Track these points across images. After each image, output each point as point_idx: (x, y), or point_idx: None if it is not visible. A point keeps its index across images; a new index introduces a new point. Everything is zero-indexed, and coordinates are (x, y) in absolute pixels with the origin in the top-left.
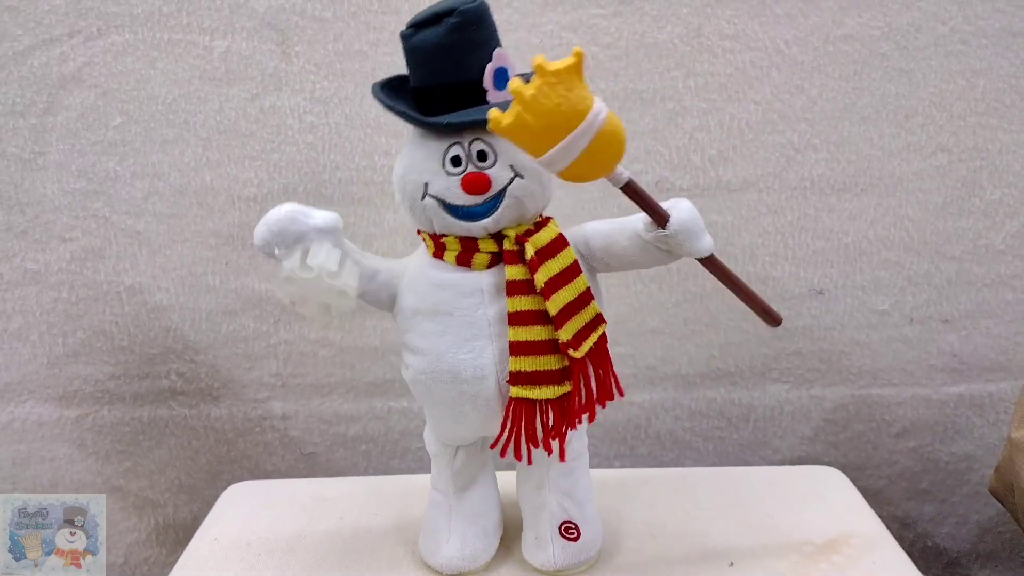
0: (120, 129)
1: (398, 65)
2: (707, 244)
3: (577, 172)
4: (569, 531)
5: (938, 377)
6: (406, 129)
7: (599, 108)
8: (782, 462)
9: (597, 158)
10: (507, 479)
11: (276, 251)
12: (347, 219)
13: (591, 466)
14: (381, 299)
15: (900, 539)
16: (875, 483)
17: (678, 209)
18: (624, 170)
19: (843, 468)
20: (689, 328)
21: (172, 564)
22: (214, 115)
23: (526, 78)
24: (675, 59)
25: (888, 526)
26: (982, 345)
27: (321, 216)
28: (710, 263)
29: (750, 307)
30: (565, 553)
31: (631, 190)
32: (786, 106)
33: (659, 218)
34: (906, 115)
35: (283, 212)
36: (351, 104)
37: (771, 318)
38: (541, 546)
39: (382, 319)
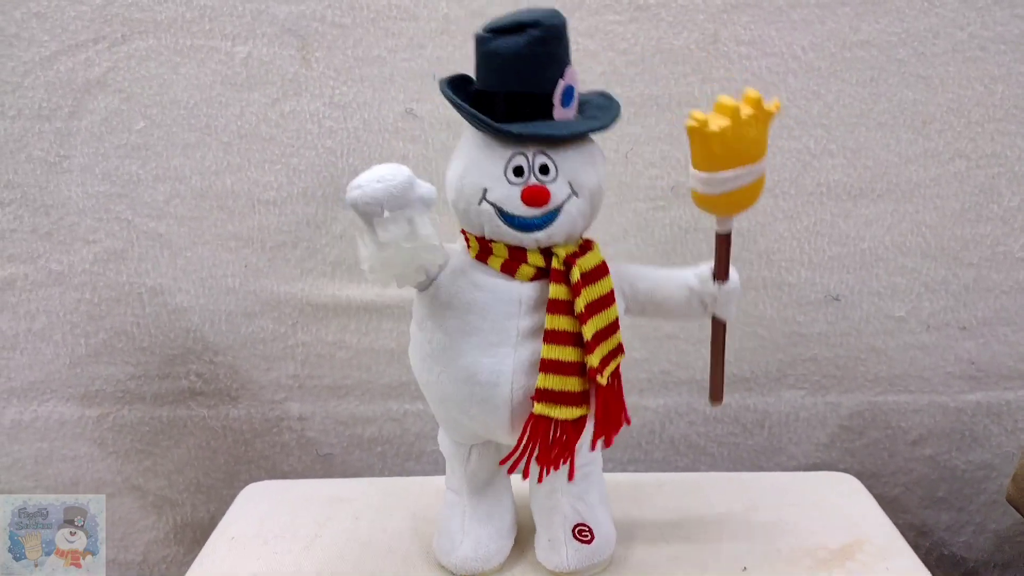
0: (143, 133)
1: (416, 71)
2: (734, 312)
3: (716, 201)
4: (583, 534)
5: (955, 384)
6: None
7: (766, 159)
8: (797, 468)
9: (738, 199)
10: (521, 481)
11: (385, 213)
12: None
13: (605, 470)
14: (431, 277)
15: (916, 547)
16: (891, 491)
17: (733, 273)
18: (732, 222)
19: (859, 475)
20: (703, 333)
21: (190, 563)
22: (235, 119)
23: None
24: (691, 65)
25: (904, 534)
26: (1000, 352)
27: (426, 187)
28: (721, 329)
29: (712, 375)
30: (579, 555)
31: (726, 240)
32: (803, 112)
33: (724, 273)
34: (923, 121)
35: (404, 175)
36: (370, 109)
37: (718, 395)
38: (555, 548)
39: (399, 322)
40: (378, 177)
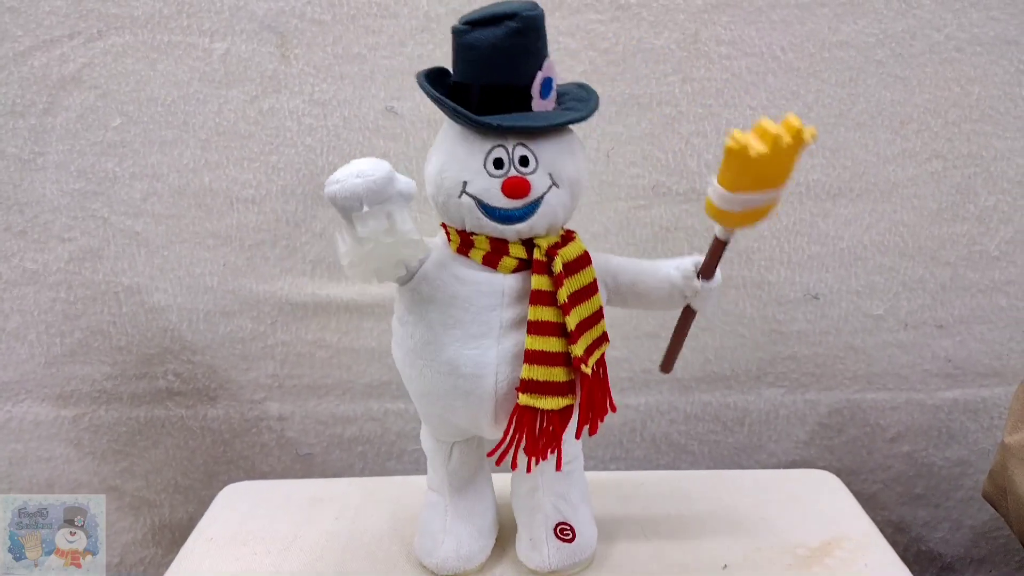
0: (119, 130)
1: (397, 68)
2: (713, 308)
3: (729, 216)
4: (564, 532)
5: (932, 382)
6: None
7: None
8: (777, 466)
9: (751, 217)
10: (502, 480)
11: (364, 208)
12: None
13: (586, 468)
14: (412, 272)
15: (894, 543)
16: (869, 487)
17: (717, 273)
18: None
19: (837, 472)
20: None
21: (168, 564)
22: (213, 117)
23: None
24: (672, 64)
25: (882, 530)
26: (976, 350)
27: (406, 181)
28: (691, 316)
29: (669, 349)
30: (560, 554)
31: (722, 246)
32: (782, 112)
33: (711, 273)
34: (901, 121)
35: (384, 170)
36: (350, 107)
37: (667, 367)
38: (536, 547)
39: (379, 321)
40: (357, 172)
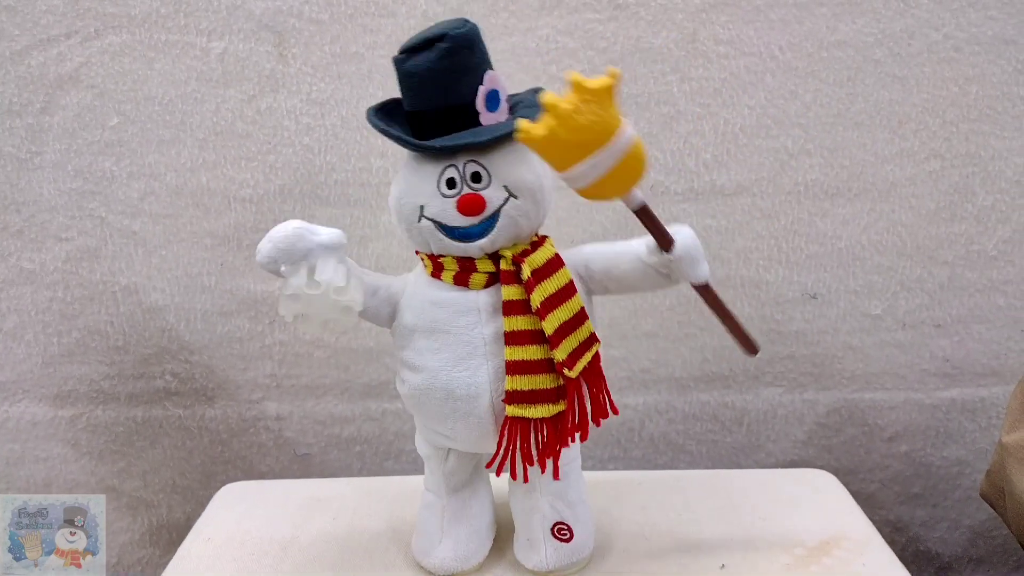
0: (117, 129)
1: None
2: (705, 271)
3: (597, 190)
4: (562, 532)
5: (930, 382)
6: (400, 149)
7: (627, 130)
8: (775, 465)
9: (619, 179)
10: (500, 480)
11: (282, 268)
12: (343, 221)
13: (584, 468)
14: (382, 315)
15: (892, 543)
16: (867, 487)
17: (681, 235)
18: (640, 193)
19: (836, 472)
20: (683, 331)
21: (165, 564)
22: (211, 116)
23: (530, 95)
24: (670, 64)
25: (880, 530)
26: (974, 350)
27: (327, 233)
28: (705, 290)
29: (733, 335)
30: (558, 554)
31: (644, 213)
32: (780, 111)
33: (665, 242)
34: (899, 121)
35: (289, 229)
36: (347, 106)
37: (751, 347)
38: (534, 547)
39: None
40: (268, 236)
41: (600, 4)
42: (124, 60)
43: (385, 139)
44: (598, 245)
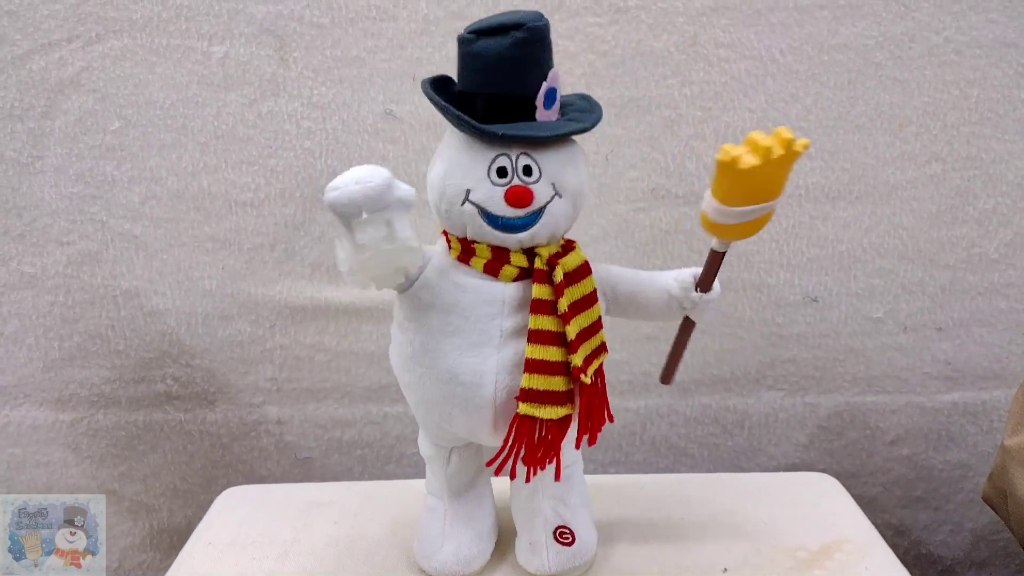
0: (118, 134)
1: (395, 72)
2: (711, 318)
3: (727, 229)
4: (564, 536)
5: (932, 385)
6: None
7: (784, 194)
8: (776, 469)
9: (747, 229)
10: (502, 484)
11: (363, 215)
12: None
13: (586, 472)
14: (412, 279)
15: (894, 547)
16: (869, 490)
17: (716, 284)
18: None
19: (837, 475)
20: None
21: (166, 568)
22: (212, 120)
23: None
24: (671, 67)
25: (882, 534)
26: (976, 353)
27: (405, 189)
28: (691, 327)
29: (669, 361)
30: (560, 558)
31: (720, 258)
32: (781, 114)
33: (708, 285)
34: (900, 124)
35: (383, 177)
36: (348, 110)
37: (668, 377)
38: (536, 551)
39: (378, 324)
40: (356, 179)
41: (601, 8)
42: (125, 64)
43: (387, 141)
44: (625, 271)
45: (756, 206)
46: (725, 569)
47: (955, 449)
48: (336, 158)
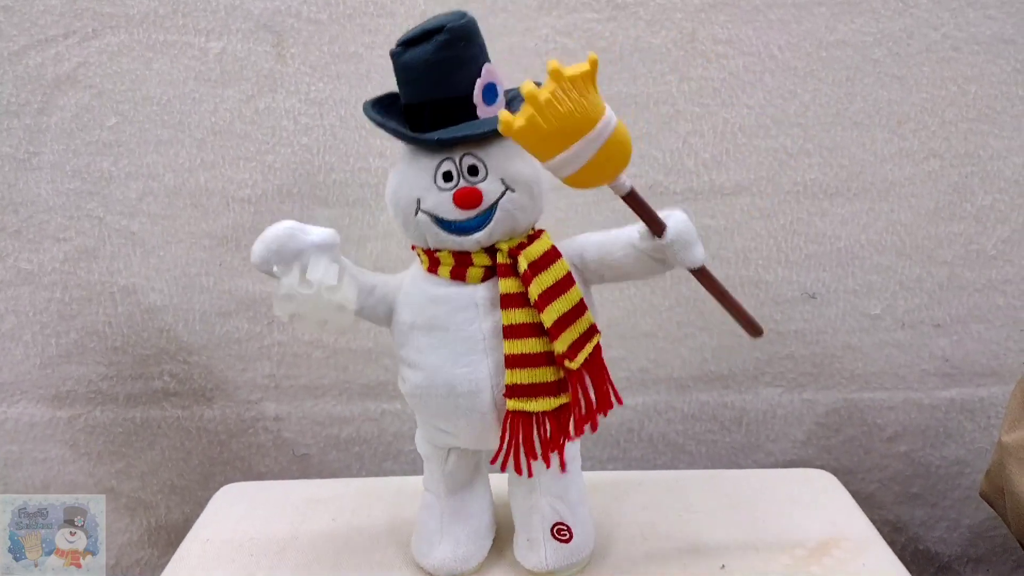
0: (115, 130)
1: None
2: (700, 254)
3: (583, 178)
4: (561, 533)
5: (929, 381)
6: (399, 146)
7: (609, 116)
8: (774, 465)
9: (604, 166)
10: (499, 480)
11: (274, 268)
12: (341, 221)
13: (584, 468)
14: (379, 314)
15: (892, 543)
16: (867, 487)
17: (673, 219)
18: (627, 179)
19: (835, 472)
20: (682, 331)
21: (164, 565)
22: (209, 116)
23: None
24: (669, 63)
25: (880, 530)
26: (973, 350)
27: (318, 232)
28: (701, 274)
29: (735, 317)
30: (557, 555)
31: (632, 199)
32: (779, 111)
33: (656, 227)
34: (898, 120)
35: (281, 229)
36: (346, 106)
37: (754, 329)
38: (533, 548)
39: None
40: (260, 237)
41: (599, 4)
42: (122, 60)
43: (384, 138)
44: (592, 234)
45: (574, 147)
46: (723, 565)
47: (952, 445)
48: (334, 154)
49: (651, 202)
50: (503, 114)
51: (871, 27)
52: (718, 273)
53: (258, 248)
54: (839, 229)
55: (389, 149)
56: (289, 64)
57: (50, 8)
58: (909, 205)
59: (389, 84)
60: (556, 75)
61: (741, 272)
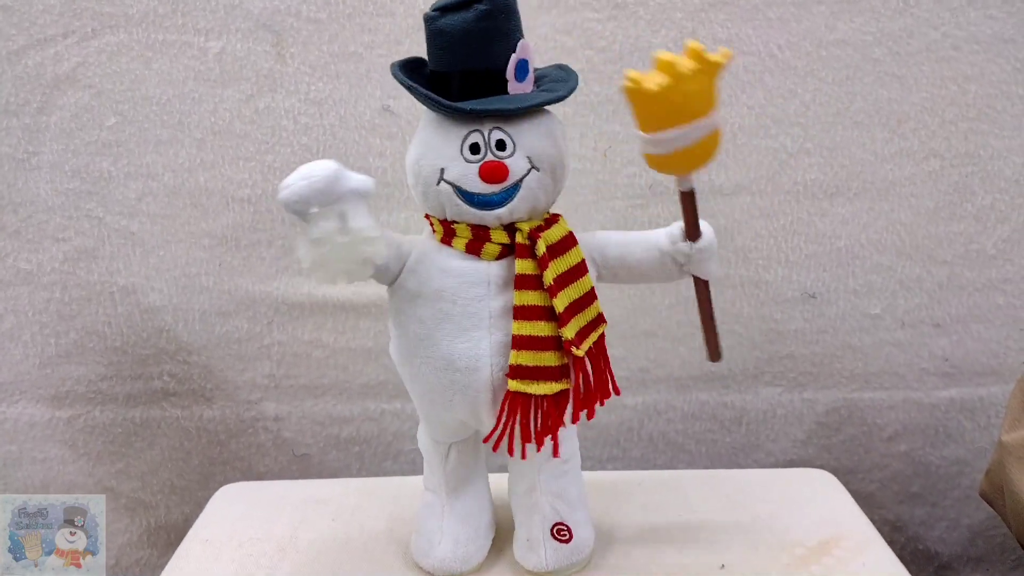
0: (114, 129)
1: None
2: (716, 269)
3: (670, 161)
4: (561, 533)
5: (929, 381)
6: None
7: (719, 111)
8: (774, 465)
9: (694, 155)
10: (499, 480)
11: (313, 209)
12: None
13: (584, 468)
14: (391, 272)
15: (891, 542)
16: (867, 486)
17: (707, 230)
18: (693, 178)
19: (835, 471)
20: (682, 331)
21: (163, 566)
22: (208, 116)
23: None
24: None
25: (880, 529)
26: (973, 349)
27: (359, 179)
28: (705, 287)
29: (705, 336)
30: (557, 555)
31: (689, 198)
32: (779, 110)
33: (695, 232)
34: (898, 120)
35: (330, 169)
36: (346, 105)
37: (716, 355)
38: (533, 548)
39: (376, 320)
40: (303, 175)
41: (599, 3)
42: (121, 60)
43: (384, 138)
44: (613, 233)
45: (684, 127)
46: (723, 565)
47: (952, 445)
48: (333, 154)
49: (651, 202)
50: (632, 73)
51: (871, 26)
52: (718, 273)
53: (300, 186)
54: (839, 229)
55: (389, 149)
56: (289, 64)
57: (49, 8)
58: (909, 205)
59: (389, 84)
60: (696, 55)
61: (741, 272)
